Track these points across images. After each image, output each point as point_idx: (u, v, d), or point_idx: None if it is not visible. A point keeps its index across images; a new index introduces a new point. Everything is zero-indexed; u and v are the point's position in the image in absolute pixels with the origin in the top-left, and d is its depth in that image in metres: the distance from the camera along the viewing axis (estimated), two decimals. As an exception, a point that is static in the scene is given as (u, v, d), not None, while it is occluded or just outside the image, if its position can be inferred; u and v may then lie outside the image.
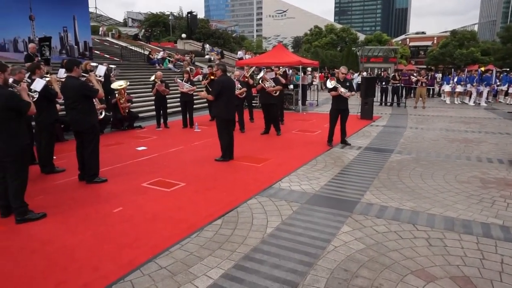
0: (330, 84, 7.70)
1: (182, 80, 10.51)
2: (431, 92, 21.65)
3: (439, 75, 23.86)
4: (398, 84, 16.91)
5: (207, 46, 32.57)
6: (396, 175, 5.73)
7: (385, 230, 3.76)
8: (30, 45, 11.20)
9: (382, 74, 18.69)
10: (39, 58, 11.00)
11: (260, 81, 9.41)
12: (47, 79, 5.87)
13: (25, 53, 11.79)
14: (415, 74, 17.88)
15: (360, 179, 5.51)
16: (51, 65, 11.46)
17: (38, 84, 5.25)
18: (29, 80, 5.60)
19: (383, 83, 17.09)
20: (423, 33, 74.51)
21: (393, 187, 5.15)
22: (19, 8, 14.10)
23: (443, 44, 50.78)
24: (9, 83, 4.36)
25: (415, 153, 7.22)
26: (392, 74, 18.90)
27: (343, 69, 8.11)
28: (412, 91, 19.35)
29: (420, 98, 15.67)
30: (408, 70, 24.75)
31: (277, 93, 9.25)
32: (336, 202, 4.60)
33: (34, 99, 5.07)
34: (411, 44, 61.85)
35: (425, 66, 44.78)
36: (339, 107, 7.79)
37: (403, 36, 75.20)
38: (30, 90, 5.02)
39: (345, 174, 5.83)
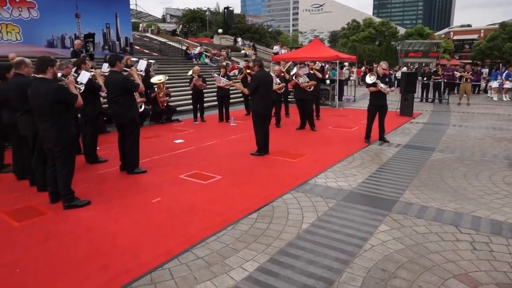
0: (369, 79, 7.49)
1: (218, 75, 10.63)
2: (476, 88, 20.52)
3: (485, 70, 22.54)
4: (440, 80, 16.13)
5: (239, 40, 32.73)
6: (438, 174, 5.49)
7: (426, 231, 3.62)
8: (76, 42, 11.77)
9: (423, 69, 17.88)
10: (84, 54, 11.52)
11: (293, 77, 9.31)
12: (92, 73, 6.14)
13: (71, 49, 12.40)
14: (460, 70, 16.87)
15: (399, 178, 5.34)
16: (95, 60, 11.97)
17: (84, 77, 5.52)
18: (75, 75, 5.89)
19: (425, 78, 16.39)
20: (468, 25, 70.60)
21: (435, 187, 4.94)
22: (67, 7, 14.83)
23: (490, 37, 47.82)
24: (58, 77, 4.60)
25: (458, 152, 6.89)
26: (434, 69, 18.07)
27: (383, 64, 7.87)
28: (456, 87, 18.45)
29: (465, 95, 14.90)
30: (451, 65, 23.54)
31: (311, 89, 9.10)
32: (374, 200, 4.48)
33: (81, 91, 5.33)
34: (455, 37, 58.74)
35: (470, 61, 42.49)
36: (378, 103, 7.57)
37: (446, 30, 71.61)
38: (76, 82, 5.28)
39: (383, 171, 5.67)
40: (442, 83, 16.37)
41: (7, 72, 5.07)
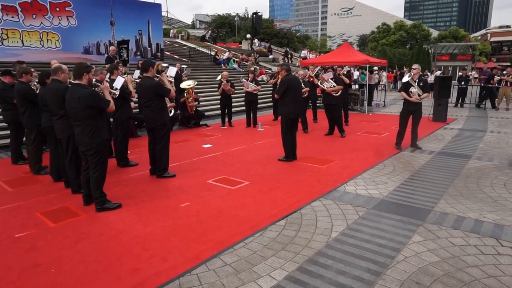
0: (406, 77, 7.26)
1: (247, 80, 10.69)
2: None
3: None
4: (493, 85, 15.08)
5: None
6: (475, 183, 5.24)
7: (463, 243, 3.44)
8: (111, 48, 12.17)
9: (461, 73, 17.06)
10: (118, 60, 11.90)
11: (319, 83, 9.19)
12: (124, 79, 6.32)
13: (106, 55, 12.85)
14: (499, 72, 15.96)
15: (433, 186, 5.13)
16: (128, 66, 12.34)
17: (119, 82, 5.71)
18: (108, 80, 6.08)
19: (462, 83, 15.67)
20: (507, 26, 67.39)
21: (472, 196, 4.71)
22: (102, 15, 15.47)
23: (531, 38, 45.54)
24: (93, 83, 4.75)
25: (497, 160, 6.55)
26: (490, 73, 16.99)
27: (414, 65, 7.63)
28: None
29: (504, 99, 14.20)
30: (488, 68, 22.53)
31: (338, 94, 8.93)
32: (406, 209, 4.32)
33: (116, 96, 5.49)
34: (493, 39, 56.29)
35: (509, 63, 40.54)
36: (411, 108, 7.32)
37: (483, 31, 68.72)
38: (112, 87, 5.45)
39: (416, 179, 5.47)
40: (479, 87, 15.66)
41: (47, 78, 5.31)
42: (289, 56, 29.45)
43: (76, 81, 4.28)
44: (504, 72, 15.28)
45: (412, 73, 7.31)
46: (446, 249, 3.33)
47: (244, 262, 3.16)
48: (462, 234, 3.63)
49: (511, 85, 14.60)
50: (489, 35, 58.43)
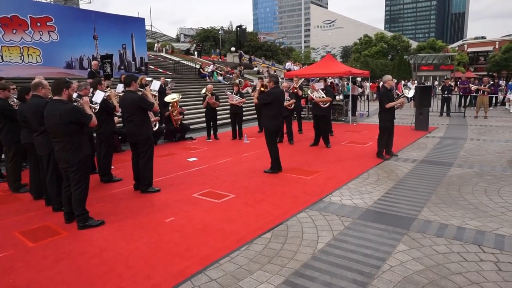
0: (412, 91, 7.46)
1: (231, 93, 10.72)
2: (493, 101, 20.03)
3: (503, 82, 22.13)
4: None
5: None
6: (457, 191, 5.33)
7: (447, 251, 3.48)
8: (93, 63, 12.07)
9: (444, 82, 17.36)
10: (101, 74, 11.80)
11: (309, 92, 9.30)
12: (107, 93, 6.26)
13: (89, 70, 12.74)
14: (476, 82, 16.52)
15: (416, 194, 5.20)
16: (111, 80, 12.23)
17: (98, 96, 5.63)
18: (91, 95, 6.01)
19: (445, 92, 16.01)
20: (483, 37, 69.84)
21: (454, 204, 4.79)
22: (85, 29, 15.38)
23: (506, 48, 47.26)
24: (74, 98, 4.68)
25: (477, 167, 6.70)
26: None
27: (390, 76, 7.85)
28: (472, 100, 18.11)
29: (482, 108, 14.61)
30: (466, 78, 23.24)
31: (326, 105, 9.02)
32: (391, 218, 4.36)
33: (96, 111, 5.42)
34: (469, 50, 58.23)
35: (485, 73, 41.95)
36: (393, 118, 7.55)
37: (460, 42, 71.04)
38: (91, 102, 5.38)
39: (400, 188, 5.53)
40: (458, 96, 16.06)
41: (26, 94, 5.22)
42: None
43: (56, 97, 4.21)
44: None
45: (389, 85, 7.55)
46: (430, 257, 3.36)
47: (230, 277, 3.12)
48: (445, 242, 3.68)
49: (487, 94, 15.07)
50: (466, 45, 60.42)
